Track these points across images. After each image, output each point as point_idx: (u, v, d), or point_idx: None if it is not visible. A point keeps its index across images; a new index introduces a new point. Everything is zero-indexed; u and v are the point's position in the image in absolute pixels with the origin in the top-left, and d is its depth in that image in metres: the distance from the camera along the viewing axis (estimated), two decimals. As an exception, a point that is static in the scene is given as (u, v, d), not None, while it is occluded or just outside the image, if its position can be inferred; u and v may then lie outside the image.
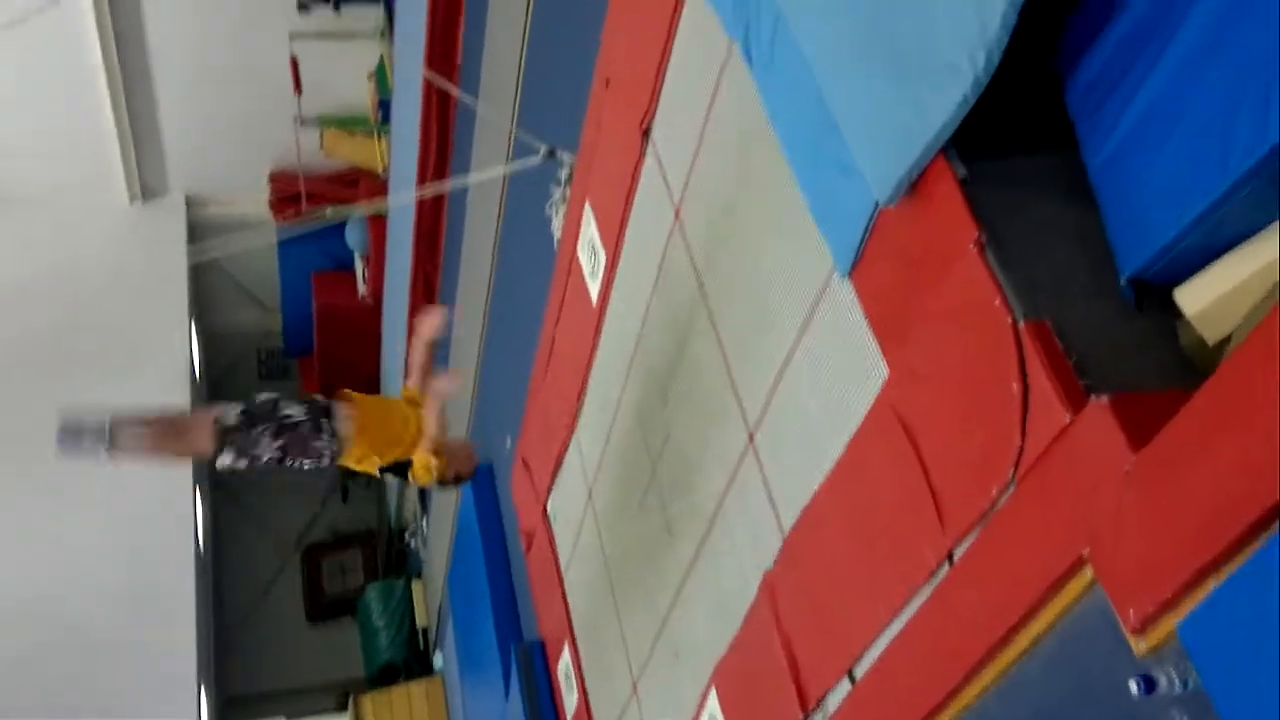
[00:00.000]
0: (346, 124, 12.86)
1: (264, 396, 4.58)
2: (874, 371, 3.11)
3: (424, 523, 12.53)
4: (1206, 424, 2.05)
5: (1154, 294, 2.51)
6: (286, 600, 14.90)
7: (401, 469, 4.74)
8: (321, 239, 13.46)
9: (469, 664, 9.58)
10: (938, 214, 2.75)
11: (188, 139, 12.95)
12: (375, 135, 12.32)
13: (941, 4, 2.47)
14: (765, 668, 3.93)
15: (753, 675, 4.11)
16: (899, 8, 2.63)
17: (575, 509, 6.31)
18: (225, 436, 4.37)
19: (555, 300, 6.15)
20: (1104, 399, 2.32)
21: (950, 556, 2.84)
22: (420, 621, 12.88)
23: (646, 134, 4.63)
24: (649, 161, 4.65)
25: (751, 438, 3.97)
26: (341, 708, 12.37)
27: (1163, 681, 2.14)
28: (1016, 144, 2.77)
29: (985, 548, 2.70)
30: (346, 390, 4.78)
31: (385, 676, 12.93)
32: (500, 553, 8.48)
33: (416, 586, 13.06)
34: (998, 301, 2.55)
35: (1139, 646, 2.22)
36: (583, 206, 5.48)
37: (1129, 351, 2.49)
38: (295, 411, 4.49)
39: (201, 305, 14.27)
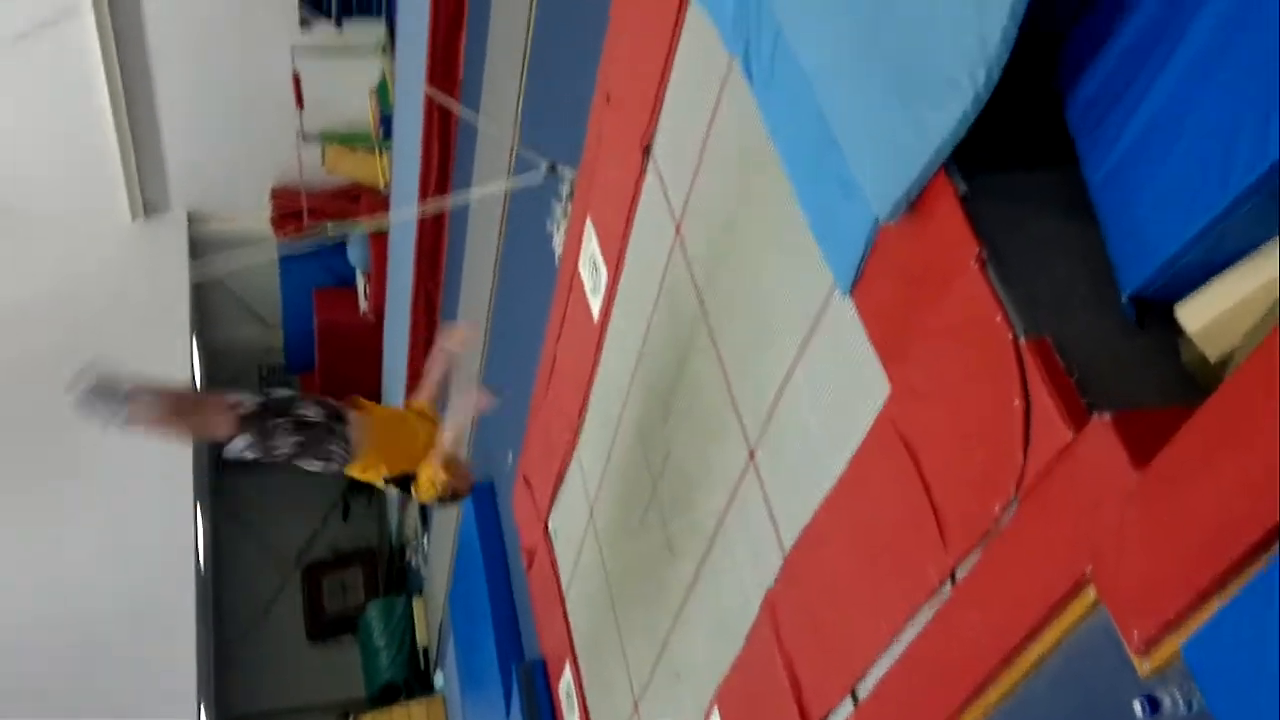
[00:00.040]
0: (348, 140, 12.88)
1: (281, 392, 4.58)
2: (875, 389, 3.09)
3: (425, 540, 12.49)
4: (1209, 442, 2.04)
5: (1155, 310, 2.50)
6: (287, 618, 14.86)
7: (404, 482, 4.73)
8: (323, 255, 13.50)
9: (470, 683, 9.53)
10: (938, 230, 2.74)
11: (189, 155, 12.96)
12: (377, 151, 12.34)
13: (942, 20, 2.47)
14: (767, 688, 3.91)
15: (755, 695, 4.08)
16: (899, 24, 2.63)
17: (576, 526, 6.29)
18: (242, 424, 4.35)
19: (556, 316, 6.14)
20: (1106, 416, 2.31)
21: (953, 574, 2.82)
22: (421, 640, 12.84)
23: (647, 150, 4.63)
24: (650, 177, 4.65)
25: (752, 455, 3.95)
26: (342, 728, 12.37)
27: (1167, 702, 2.13)
28: (1017, 160, 2.76)
29: (988, 566, 2.68)
30: (359, 398, 4.76)
31: (386, 696, 12.88)
32: (501, 570, 8.45)
33: (417, 604, 13.02)
34: (999, 318, 2.54)
35: (1143, 667, 2.21)
36: (584, 222, 5.48)
37: (1130, 368, 2.47)
38: (311, 412, 4.48)
39: (203, 321, 14.27)
